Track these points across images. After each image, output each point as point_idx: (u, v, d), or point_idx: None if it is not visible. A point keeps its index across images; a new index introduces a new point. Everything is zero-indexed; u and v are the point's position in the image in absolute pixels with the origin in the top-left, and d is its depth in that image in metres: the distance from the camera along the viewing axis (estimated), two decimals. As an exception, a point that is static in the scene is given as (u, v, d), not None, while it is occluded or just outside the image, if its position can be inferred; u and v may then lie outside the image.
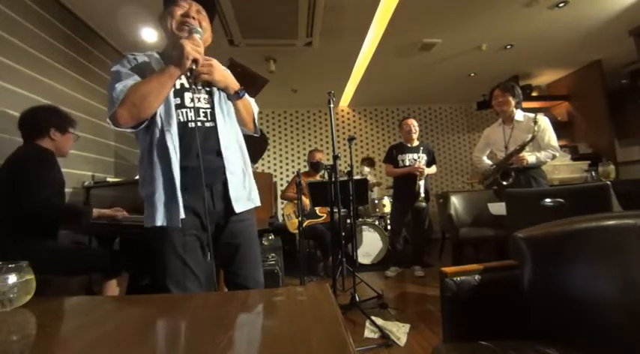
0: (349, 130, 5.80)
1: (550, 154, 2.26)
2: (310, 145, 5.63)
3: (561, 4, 2.96)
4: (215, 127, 1.08)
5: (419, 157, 3.15)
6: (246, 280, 1.12)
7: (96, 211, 1.75)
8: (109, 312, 0.68)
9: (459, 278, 0.89)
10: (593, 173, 3.69)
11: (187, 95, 1.06)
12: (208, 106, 1.09)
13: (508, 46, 3.75)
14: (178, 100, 1.04)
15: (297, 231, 3.04)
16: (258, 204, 1.19)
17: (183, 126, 1.03)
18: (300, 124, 5.69)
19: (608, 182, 1.46)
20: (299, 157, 5.61)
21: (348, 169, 2.56)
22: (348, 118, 5.85)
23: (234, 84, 1.11)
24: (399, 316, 2.08)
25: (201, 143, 0.99)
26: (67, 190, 1.83)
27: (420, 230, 3.22)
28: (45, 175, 1.55)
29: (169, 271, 1.00)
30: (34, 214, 1.51)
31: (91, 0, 2.54)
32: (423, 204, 3.03)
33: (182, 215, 0.99)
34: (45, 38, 2.34)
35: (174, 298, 0.78)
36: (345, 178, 2.55)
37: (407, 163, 3.15)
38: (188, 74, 1.01)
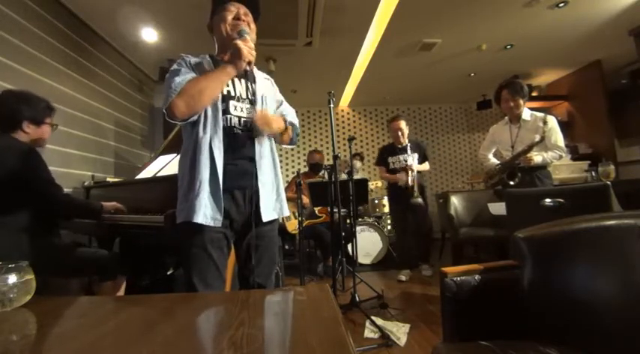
0: (349, 130, 5.80)
1: (557, 155, 2.24)
2: (310, 145, 5.63)
3: (561, 4, 2.96)
4: (252, 138, 1.14)
5: (407, 159, 3.07)
6: (258, 278, 1.16)
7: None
8: (109, 312, 0.68)
9: (459, 278, 0.89)
10: (593, 173, 3.70)
11: (232, 103, 1.12)
12: (250, 117, 1.15)
13: (508, 46, 3.75)
14: (224, 106, 1.10)
15: (295, 231, 3.04)
16: (287, 214, 1.26)
17: (227, 131, 1.09)
18: (300, 124, 5.67)
19: (608, 182, 1.46)
20: (299, 157, 5.61)
21: (348, 168, 2.56)
22: (348, 118, 5.85)
23: (282, 127, 1.20)
24: (399, 316, 2.07)
25: (240, 150, 1.09)
26: (66, 190, 1.83)
27: (421, 227, 3.15)
28: (44, 172, 1.54)
29: (195, 266, 1.04)
30: (52, 211, 1.58)
31: (91, 0, 2.55)
32: (419, 200, 2.91)
33: (221, 216, 1.04)
34: (45, 38, 2.34)
35: (174, 297, 0.78)
36: (345, 177, 2.55)
37: (396, 166, 3.11)
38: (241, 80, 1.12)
